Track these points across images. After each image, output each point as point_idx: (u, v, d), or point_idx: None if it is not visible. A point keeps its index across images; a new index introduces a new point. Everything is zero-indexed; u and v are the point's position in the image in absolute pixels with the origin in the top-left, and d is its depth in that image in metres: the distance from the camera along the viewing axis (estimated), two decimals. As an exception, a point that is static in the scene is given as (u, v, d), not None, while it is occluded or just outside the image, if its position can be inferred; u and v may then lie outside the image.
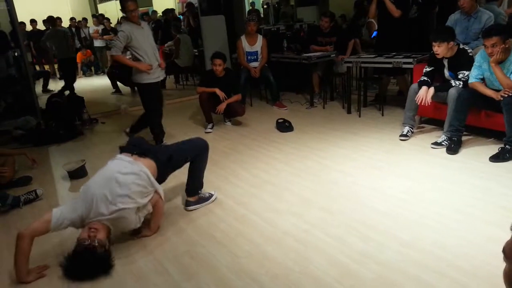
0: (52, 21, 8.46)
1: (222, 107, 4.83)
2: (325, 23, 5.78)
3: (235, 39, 6.19)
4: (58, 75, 11.07)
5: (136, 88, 4.93)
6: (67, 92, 6.82)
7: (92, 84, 9.71)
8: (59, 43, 7.97)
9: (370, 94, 5.60)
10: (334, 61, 5.78)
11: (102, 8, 13.80)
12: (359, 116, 4.98)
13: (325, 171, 3.48)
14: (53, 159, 4.57)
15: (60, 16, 11.04)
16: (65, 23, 11.95)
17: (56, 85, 9.61)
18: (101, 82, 8.65)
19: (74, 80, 8.20)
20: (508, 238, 0.99)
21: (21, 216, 3.18)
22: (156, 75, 4.29)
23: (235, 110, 4.99)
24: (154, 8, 12.03)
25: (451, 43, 3.68)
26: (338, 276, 2.11)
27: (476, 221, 2.50)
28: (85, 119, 5.80)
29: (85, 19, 11.45)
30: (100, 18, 10.86)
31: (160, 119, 4.54)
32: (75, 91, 7.26)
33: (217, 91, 4.85)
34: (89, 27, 11.03)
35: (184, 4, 10.27)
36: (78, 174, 3.85)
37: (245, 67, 5.80)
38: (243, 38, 5.83)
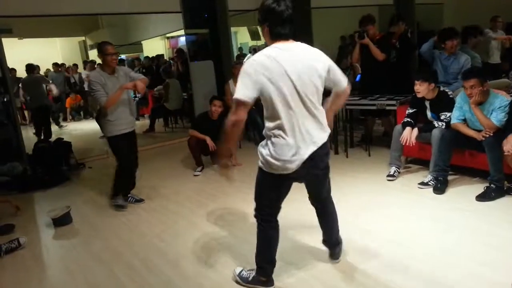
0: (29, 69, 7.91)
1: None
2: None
3: (224, 83, 6.30)
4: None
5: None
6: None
7: (82, 129, 9.73)
8: (34, 91, 7.52)
9: (356, 135, 5.68)
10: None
11: (93, 54, 14.06)
12: (347, 157, 5.02)
13: (312, 213, 3.44)
14: (38, 206, 4.48)
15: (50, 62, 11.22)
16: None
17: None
18: (90, 126, 8.67)
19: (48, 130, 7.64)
20: (497, 277, 0.99)
21: (1, 266, 3.08)
22: (124, 126, 3.91)
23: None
24: (145, 54, 12.31)
25: (432, 84, 3.80)
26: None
27: (465, 261, 2.49)
28: (72, 164, 5.77)
29: (75, 65, 11.65)
30: (91, 65, 11.05)
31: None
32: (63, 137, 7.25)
33: (208, 140, 4.74)
34: (80, 73, 11.18)
35: (174, 50, 10.56)
36: (62, 221, 3.77)
37: (233, 110, 5.86)
38: (230, 82, 5.95)
